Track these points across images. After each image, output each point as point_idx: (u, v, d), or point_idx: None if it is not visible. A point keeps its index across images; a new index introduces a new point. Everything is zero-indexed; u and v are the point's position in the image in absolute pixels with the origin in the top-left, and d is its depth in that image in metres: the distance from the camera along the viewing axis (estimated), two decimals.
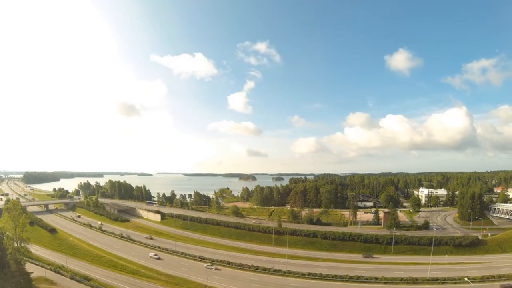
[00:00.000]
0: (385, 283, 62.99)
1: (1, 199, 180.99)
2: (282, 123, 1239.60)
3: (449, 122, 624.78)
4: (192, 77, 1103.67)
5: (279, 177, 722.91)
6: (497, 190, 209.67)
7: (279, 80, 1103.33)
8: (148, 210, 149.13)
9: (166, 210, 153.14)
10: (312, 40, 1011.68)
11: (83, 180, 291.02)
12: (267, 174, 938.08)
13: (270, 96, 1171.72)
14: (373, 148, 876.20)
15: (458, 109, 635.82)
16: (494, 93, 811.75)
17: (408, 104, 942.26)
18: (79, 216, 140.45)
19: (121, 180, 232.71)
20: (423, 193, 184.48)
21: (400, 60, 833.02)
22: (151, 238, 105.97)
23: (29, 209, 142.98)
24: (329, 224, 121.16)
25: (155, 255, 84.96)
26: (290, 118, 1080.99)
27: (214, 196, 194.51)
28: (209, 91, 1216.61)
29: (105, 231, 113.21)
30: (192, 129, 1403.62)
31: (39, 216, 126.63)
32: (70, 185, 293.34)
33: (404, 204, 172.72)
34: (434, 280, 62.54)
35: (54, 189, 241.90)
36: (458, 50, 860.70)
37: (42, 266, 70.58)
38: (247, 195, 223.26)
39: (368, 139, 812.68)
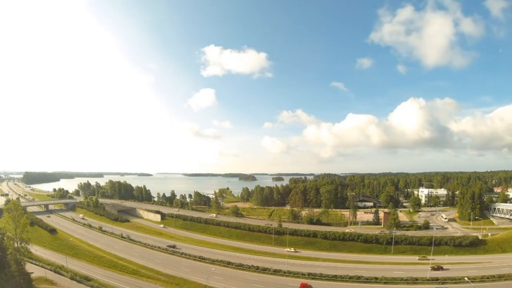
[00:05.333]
0: (385, 283, 62.98)
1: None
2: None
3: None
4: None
5: (279, 177, 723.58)
6: (497, 190, 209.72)
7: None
8: (148, 210, 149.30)
9: (166, 210, 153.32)
10: None
11: (83, 180, 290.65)
12: (267, 174, 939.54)
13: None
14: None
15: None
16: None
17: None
18: (83, 218, 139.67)
19: (121, 180, 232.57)
20: (423, 193, 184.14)
21: None
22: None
23: (29, 209, 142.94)
24: (329, 224, 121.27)
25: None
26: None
27: (214, 196, 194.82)
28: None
29: (105, 231, 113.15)
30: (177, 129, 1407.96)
31: (39, 217, 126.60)
32: (70, 186, 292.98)
33: (404, 204, 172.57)
34: (434, 280, 62.58)
35: (54, 189, 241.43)
36: None
37: (42, 267, 70.50)
38: (247, 195, 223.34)
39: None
